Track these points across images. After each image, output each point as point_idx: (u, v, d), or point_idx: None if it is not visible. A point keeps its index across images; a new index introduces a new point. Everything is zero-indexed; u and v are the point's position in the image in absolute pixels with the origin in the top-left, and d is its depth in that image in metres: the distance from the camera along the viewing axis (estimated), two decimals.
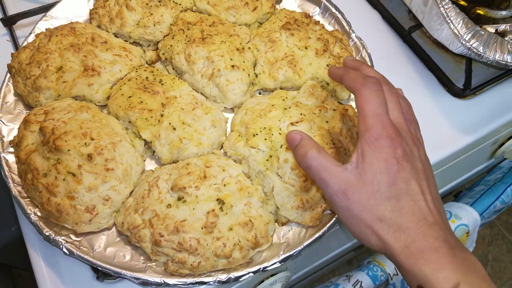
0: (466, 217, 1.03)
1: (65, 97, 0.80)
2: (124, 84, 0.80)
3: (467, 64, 0.95)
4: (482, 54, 0.83)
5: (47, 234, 0.69)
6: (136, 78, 0.81)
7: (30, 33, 0.91)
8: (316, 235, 0.71)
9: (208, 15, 0.92)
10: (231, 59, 0.82)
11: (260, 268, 0.68)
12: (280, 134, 0.73)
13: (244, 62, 0.84)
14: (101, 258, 0.68)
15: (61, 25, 0.88)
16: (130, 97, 0.78)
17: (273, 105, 0.78)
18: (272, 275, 0.80)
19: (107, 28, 0.89)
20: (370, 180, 0.53)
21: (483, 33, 0.84)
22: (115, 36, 0.89)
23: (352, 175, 0.54)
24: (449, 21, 0.84)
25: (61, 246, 0.68)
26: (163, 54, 0.87)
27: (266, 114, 0.77)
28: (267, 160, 0.73)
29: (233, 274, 0.68)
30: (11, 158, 0.76)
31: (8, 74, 0.84)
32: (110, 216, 0.71)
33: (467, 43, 0.83)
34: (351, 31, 0.94)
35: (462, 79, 0.94)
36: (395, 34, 1.04)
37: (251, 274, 0.68)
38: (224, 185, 0.71)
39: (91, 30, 0.86)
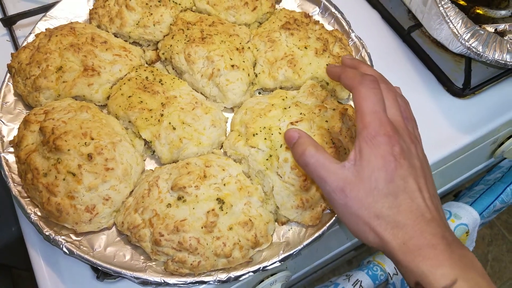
0: (465, 217, 1.04)
1: (65, 97, 0.80)
2: (124, 84, 0.80)
3: (466, 64, 0.95)
4: (482, 54, 0.83)
5: (47, 233, 0.69)
6: (136, 78, 0.81)
7: (30, 33, 0.91)
8: (316, 235, 0.71)
9: (208, 15, 0.92)
10: (231, 59, 0.82)
11: (260, 267, 0.68)
12: (280, 133, 0.73)
13: (244, 61, 0.84)
14: (101, 257, 0.68)
15: (61, 25, 0.88)
16: (130, 97, 0.78)
17: (272, 105, 0.78)
18: (272, 275, 0.80)
19: (107, 28, 0.89)
20: (367, 177, 0.53)
21: (482, 32, 0.84)
22: (115, 36, 0.89)
23: (350, 172, 0.54)
24: (448, 20, 0.84)
25: (61, 246, 0.68)
26: (163, 54, 0.88)
27: (266, 114, 0.77)
28: (267, 159, 0.73)
29: (233, 274, 0.68)
30: (11, 158, 0.76)
31: (8, 74, 0.84)
32: (110, 215, 0.71)
33: (467, 43, 0.83)
34: (350, 30, 0.94)
35: (462, 79, 0.94)
36: (394, 34, 1.04)
37: (251, 274, 0.68)
38: (224, 184, 0.71)
39: (91, 30, 0.86)
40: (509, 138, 1.03)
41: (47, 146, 0.70)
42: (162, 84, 0.81)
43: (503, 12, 0.97)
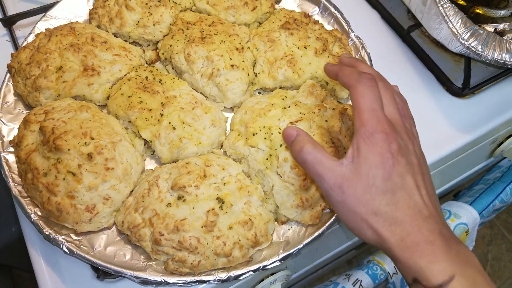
0: (465, 216, 1.04)
1: (65, 97, 0.80)
2: (124, 83, 0.80)
3: (466, 63, 0.95)
4: (481, 53, 0.83)
5: (47, 233, 0.69)
6: (136, 78, 0.81)
7: (30, 33, 0.91)
8: (316, 234, 0.71)
9: (208, 14, 0.93)
10: (231, 59, 0.82)
11: (260, 266, 0.68)
12: (279, 133, 0.73)
13: (243, 61, 0.84)
14: (101, 257, 0.68)
15: (61, 25, 0.89)
16: (129, 96, 0.78)
17: (272, 105, 0.79)
18: (272, 274, 0.80)
19: (106, 28, 0.89)
20: (365, 174, 0.53)
21: (481, 32, 0.84)
22: (115, 36, 0.90)
23: (348, 169, 0.54)
24: (448, 20, 0.84)
25: (61, 246, 0.68)
26: (163, 53, 0.88)
27: (266, 114, 0.77)
28: (267, 159, 0.73)
29: (233, 273, 0.68)
30: (11, 158, 0.76)
31: (8, 74, 0.84)
32: (110, 215, 0.71)
33: (466, 42, 0.83)
34: (350, 30, 0.94)
35: (461, 78, 0.94)
36: (394, 34, 1.04)
37: (251, 273, 0.68)
38: (224, 184, 0.71)
39: (90, 30, 0.87)
40: (508, 137, 1.03)
41: (47, 145, 0.70)
42: (162, 84, 0.81)
43: (502, 12, 0.97)
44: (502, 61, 0.84)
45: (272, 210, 0.73)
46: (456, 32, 0.84)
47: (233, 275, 0.68)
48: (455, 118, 0.92)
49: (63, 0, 0.96)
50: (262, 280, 0.80)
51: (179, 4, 0.92)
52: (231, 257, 0.67)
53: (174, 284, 0.67)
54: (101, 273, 0.70)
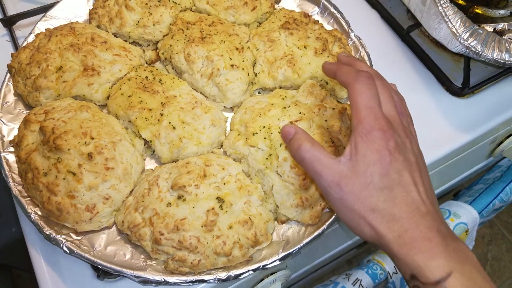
0: (465, 216, 1.04)
1: (65, 96, 0.80)
2: (124, 83, 0.80)
3: (465, 63, 0.95)
4: (480, 53, 0.84)
5: (47, 233, 0.69)
6: (136, 78, 0.81)
7: (30, 33, 0.91)
8: (316, 233, 0.71)
9: (208, 14, 0.93)
10: (231, 59, 0.83)
11: (260, 266, 0.69)
12: (279, 133, 0.73)
13: (243, 61, 0.84)
14: (101, 256, 0.68)
15: (61, 25, 0.89)
16: (129, 96, 0.78)
17: (272, 104, 0.79)
18: (272, 273, 0.80)
19: (106, 28, 0.89)
20: (363, 171, 0.53)
21: (481, 32, 0.84)
22: (115, 36, 0.90)
23: (346, 167, 0.54)
24: (447, 20, 0.84)
25: (61, 245, 0.68)
26: (163, 53, 0.88)
27: (266, 113, 0.77)
28: (267, 158, 0.73)
29: (233, 272, 0.68)
30: (12, 158, 0.76)
31: (8, 74, 0.85)
32: (111, 215, 0.71)
33: (465, 42, 0.84)
34: (350, 30, 0.95)
35: (461, 78, 0.94)
36: (393, 33, 1.04)
37: (251, 272, 0.68)
38: (224, 183, 0.71)
39: (90, 30, 0.87)
40: (508, 137, 1.03)
41: (47, 145, 0.70)
42: (162, 83, 0.81)
43: (502, 12, 0.97)
44: (502, 61, 0.84)
45: (272, 210, 0.73)
46: (455, 32, 0.84)
47: (233, 275, 0.68)
48: (455, 117, 0.92)
49: (63, 0, 0.96)
50: (262, 279, 0.80)
51: (179, 4, 0.92)
52: (231, 256, 0.67)
53: (174, 283, 0.67)
54: (101, 273, 0.70)
